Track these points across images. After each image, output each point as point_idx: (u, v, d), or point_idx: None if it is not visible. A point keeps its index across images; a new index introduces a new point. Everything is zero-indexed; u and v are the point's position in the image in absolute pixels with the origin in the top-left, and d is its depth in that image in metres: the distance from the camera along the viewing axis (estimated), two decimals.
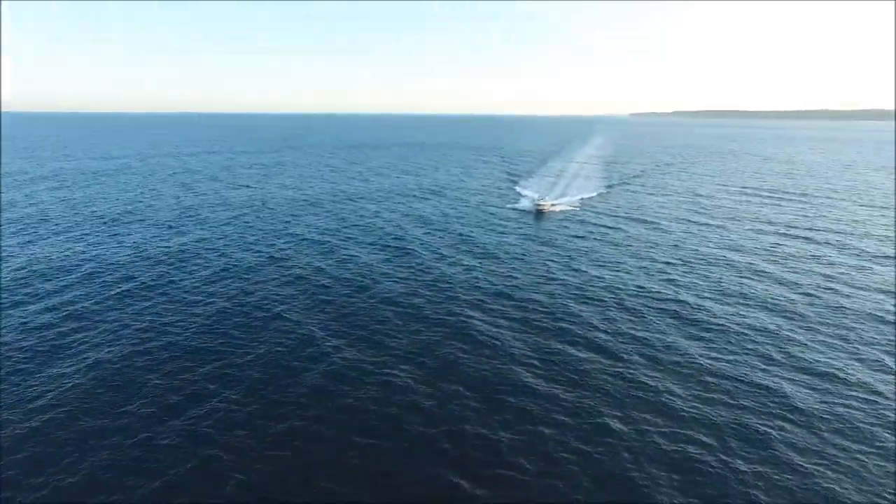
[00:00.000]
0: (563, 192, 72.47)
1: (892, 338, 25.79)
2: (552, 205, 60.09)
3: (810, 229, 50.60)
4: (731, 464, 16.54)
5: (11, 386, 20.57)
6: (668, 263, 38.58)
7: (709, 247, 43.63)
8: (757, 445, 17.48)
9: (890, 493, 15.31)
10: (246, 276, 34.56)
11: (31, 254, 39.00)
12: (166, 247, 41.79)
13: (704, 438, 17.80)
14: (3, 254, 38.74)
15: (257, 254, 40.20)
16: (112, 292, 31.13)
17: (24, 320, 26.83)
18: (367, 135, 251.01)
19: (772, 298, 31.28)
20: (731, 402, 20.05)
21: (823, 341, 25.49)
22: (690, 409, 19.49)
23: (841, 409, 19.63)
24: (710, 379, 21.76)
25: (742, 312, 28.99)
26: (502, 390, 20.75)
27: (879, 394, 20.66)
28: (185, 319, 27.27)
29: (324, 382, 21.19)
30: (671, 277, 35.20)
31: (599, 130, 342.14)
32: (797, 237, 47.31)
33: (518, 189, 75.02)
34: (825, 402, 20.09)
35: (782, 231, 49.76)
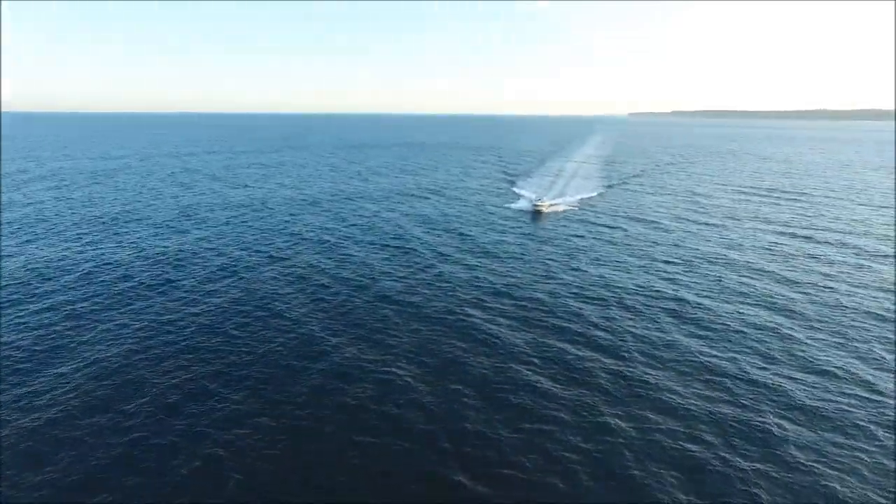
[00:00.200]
0: (561, 191, 72.39)
1: (892, 335, 25.80)
2: (551, 204, 60.06)
3: (810, 228, 50.61)
4: (731, 461, 16.53)
5: (11, 386, 20.53)
6: (667, 262, 38.58)
7: (708, 246, 43.62)
8: (757, 443, 17.47)
9: (890, 491, 15.30)
10: (245, 276, 34.53)
11: (31, 253, 38.95)
12: (166, 246, 41.75)
13: (705, 436, 17.79)
14: (3, 253, 38.69)
15: (257, 253, 40.18)
16: (111, 292, 31.09)
17: (24, 320, 26.79)
18: (366, 135, 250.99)
19: (771, 297, 31.27)
20: (731, 399, 20.04)
21: (823, 339, 25.49)
22: (690, 407, 19.48)
23: (841, 407, 19.62)
24: (710, 377, 21.75)
25: (742, 310, 28.98)
26: (502, 388, 20.73)
27: (879, 391, 20.65)
28: (184, 319, 27.24)
29: (323, 381, 21.17)
30: (671, 276, 35.19)
31: (598, 130, 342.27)
32: (796, 236, 47.32)
33: (516, 189, 74.87)
34: (825, 400, 20.08)
35: (780, 230, 49.76)
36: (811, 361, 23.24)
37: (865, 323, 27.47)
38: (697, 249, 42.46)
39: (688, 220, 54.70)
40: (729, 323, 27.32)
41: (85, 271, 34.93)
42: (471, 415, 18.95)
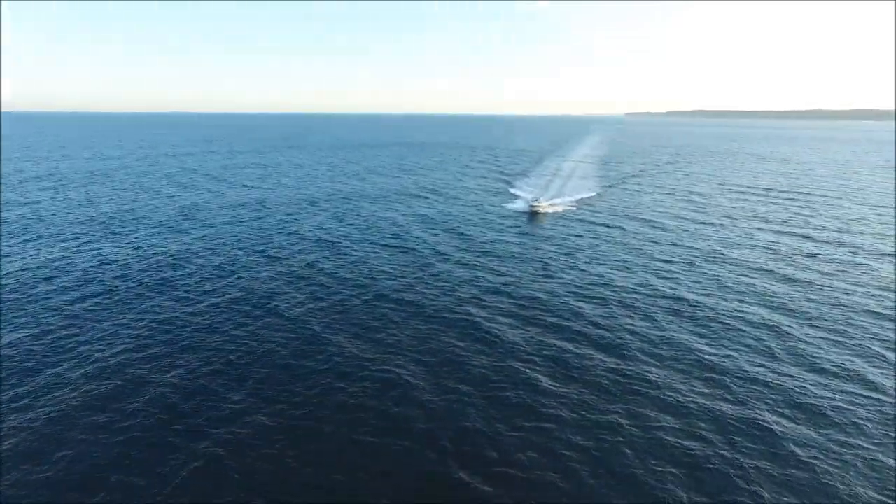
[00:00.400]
0: (558, 192, 72.27)
1: (892, 334, 25.84)
2: (549, 204, 60.05)
3: (810, 227, 50.66)
4: (732, 459, 16.54)
5: (9, 386, 20.51)
6: (666, 261, 38.61)
7: (707, 244, 43.66)
8: (758, 441, 17.48)
9: (891, 488, 15.32)
10: (244, 275, 34.51)
11: (30, 254, 38.91)
12: (165, 246, 41.72)
13: (704, 434, 17.80)
14: (2, 253, 38.65)
15: (256, 253, 40.16)
16: (110, 292, 31.06)
17: (23, 320, 26.75)
18: (366, 135, 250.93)
19: (770, 295, 31.30)
20: (730, 397, 20.06)
21: (823, 337, 25.52)
22: (690, 405, 19.50)
23: (842, 405, 19.64)
24: (709, 374, 21.77)
25: (741, 308, 29.01)
26: (502, 387, 20.74)
27: (879, 389, 20.69)
28: (183, 318, 27.22)
29: (323, 380, 21.16)
30: (670, 275, 35.22)
31: (595, 130, 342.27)
32: (795, 235, 47.36)
33: (514, 190, 74.60)
34: (825, 398, 20.10)
35: (778, 229, 49.81)
36: (810, 359, 23.26)
37: (865, 321, 27.51)
38: (696, 248, 42.49)
39: (686, 219, 54.74)
40: (728, 321, 27.35)
41: (84, 271, 34.90)
42: (471, 413, 18.95)
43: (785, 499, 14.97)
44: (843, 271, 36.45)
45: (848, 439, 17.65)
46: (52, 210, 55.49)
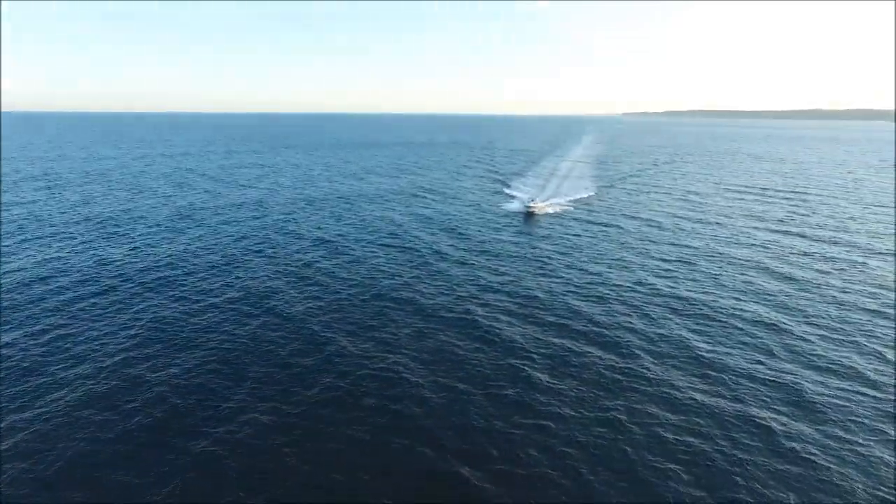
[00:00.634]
0: (554, 192, 72.14)
1: (891, 331, 25.88)
2: (548, 204, 60.03)
3: (810, 227, 50.74)
4: (731, 455, 16.57)
5: (8, 386, 20.46)
6: (663, 259, 38.65)
7: (705, 242, 43.71)
8: (756, 437, 17.51)
9: (890, 485, 15.35)
10: (243, 275, 34.47)
11: (27, 254, 38.82)
12: (162, 246, 41.65)
13: (704, 430, 17.82)
14: (1, 253, 38.58)
15: (254, 252, 40.11)
16: (108, 291, 30.99)
17: (21, 320, 26.69)
18: (366, 134, 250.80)
19: (769, 293, 31.33)
20: (730, 394, 20.09)
21: (821, 335, 25.57)
22: (689, 402, 19.52)
23: (839, 401, 19.68)
24: (708, 372, 21.80)
25: (739, 307, 29.04)
26: (501, 384, 20.74)
27: (878, 386, 20.72)
28: (181, 318, 27.18)
29: (322, 379, 21.14)
30: (667, 273, 35.25)
31: (590, 130, 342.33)
32: (793, 234, 47.43)
33: (509, 191, 74.13)
34: (823, 394, 20.14)
35: (775, 227, 49.89)
36: (808, 356, 23.30)
37: (863, 318, 27.56)
38: (693, 247, 42.54)
39: (683, 217, 54.80)
40: (725, 319, 27.38)
41: (83, 271, 34.82)
42: (470, 411, 18.95)
43: (783, 495, 14.99)
44: (840, 269, 36.53)
45: (846, 436, 17.68)
46: (52, 210, 55.37)
